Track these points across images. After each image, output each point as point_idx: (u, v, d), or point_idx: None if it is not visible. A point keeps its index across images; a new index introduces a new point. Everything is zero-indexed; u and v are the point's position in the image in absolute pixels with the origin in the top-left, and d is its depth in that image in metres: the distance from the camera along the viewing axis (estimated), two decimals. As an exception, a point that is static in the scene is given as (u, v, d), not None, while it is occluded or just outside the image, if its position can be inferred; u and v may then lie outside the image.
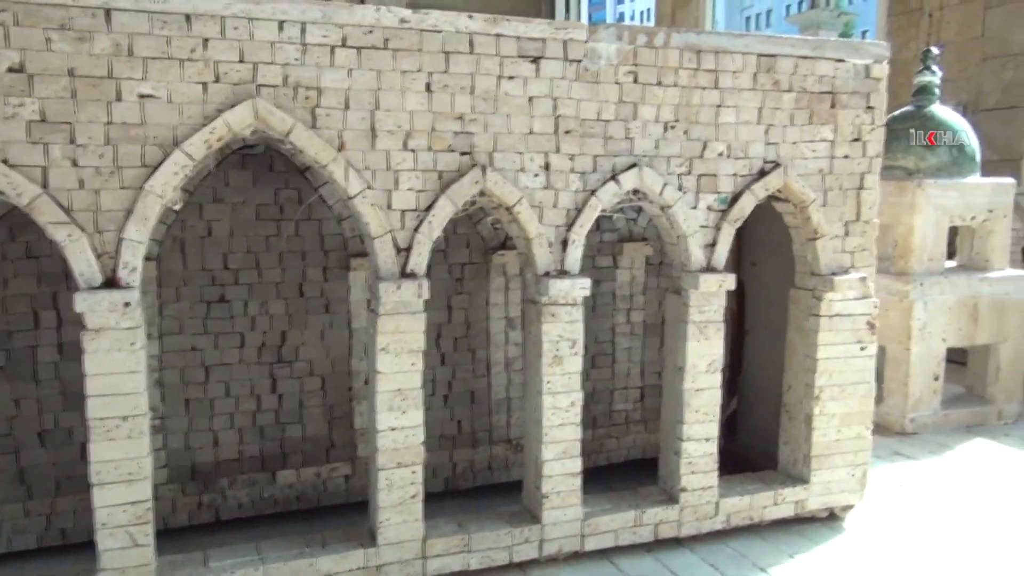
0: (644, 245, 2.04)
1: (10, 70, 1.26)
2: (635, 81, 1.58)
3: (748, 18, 29.72)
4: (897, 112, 2.67)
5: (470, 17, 1.47)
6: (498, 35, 1.48)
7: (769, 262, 2.05)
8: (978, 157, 2.59)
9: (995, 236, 2.56)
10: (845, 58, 1.73)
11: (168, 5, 1.30)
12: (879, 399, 2.55)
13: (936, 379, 2.50)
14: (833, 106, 1.74)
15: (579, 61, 1.54)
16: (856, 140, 1.77)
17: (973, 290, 2.49)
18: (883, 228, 2.70)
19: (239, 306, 1.75)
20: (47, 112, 1.28)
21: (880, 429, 2.46)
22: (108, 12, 1.28)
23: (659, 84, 1.60)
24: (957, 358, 2.78)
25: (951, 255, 2.72)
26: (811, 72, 1.71)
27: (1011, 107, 4.41)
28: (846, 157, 1.77)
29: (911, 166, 2.53)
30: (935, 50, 2.63)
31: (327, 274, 1.80)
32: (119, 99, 1.30)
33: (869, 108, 1.77)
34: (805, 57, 1.70)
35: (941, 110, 2.60)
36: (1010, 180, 2.60)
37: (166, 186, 1.33)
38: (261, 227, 1.74)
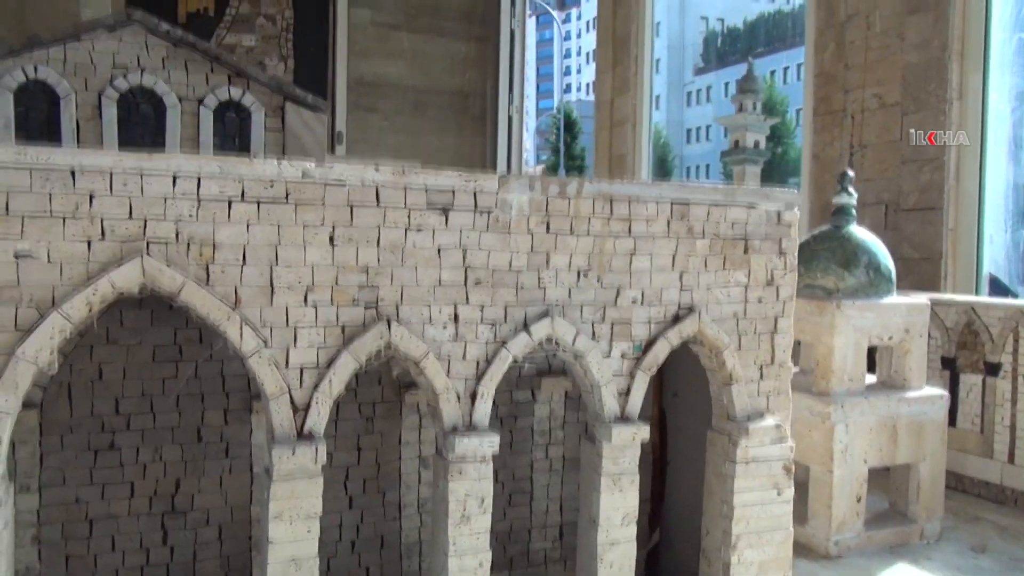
0: (563, 379, 2.01)
1: None
2: (548, 230, 1.57)
3: (689, 93, 31.01)
4: (816, 232, 2.74)
5: (376, 169, 1.44)
6: (406, 187, 1.46)
7: (690, 393, 2.03)
8: (894, 277, 2.65)
9: (911, 356, 2.61)
10: (757, 204, 1.76)
11: (52, 161, 1.24)
12: (803, 519, 2.54)
13: (859, 500, 2.49)
14: (746, 251, 1.75)
15: (490, 212, 1.52)
16: (769, 284, 1.78)
17: (892, 410, 2.52)
18: (805, 346, 2.74)
19: (130, 453, 1.64)
20: (-91, 275, 1.19)
21: (803, 551, 2.43)
22: (-16, 170, 1.21)
23: (572, 233, 1.59)
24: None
25: (871, 368, 2.76)
26: (724, 218, 1.73)
27: (929, 208, 4.59)
28: (760, 301, 1.78)
29: (830, 286, 2.57)
30: (851, 172, 2.71)
31: (228, 416, 1.71)
32: (-8, 260, 1.23)
33: (781, 253, 1.78)
34: (718, 204, 1.71)
35: (859, 231, 2.67)
36: (924, 301, 2.66)
37: (41, 351, 1.24)
38: (158, 369, 1.65)
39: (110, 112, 1.98)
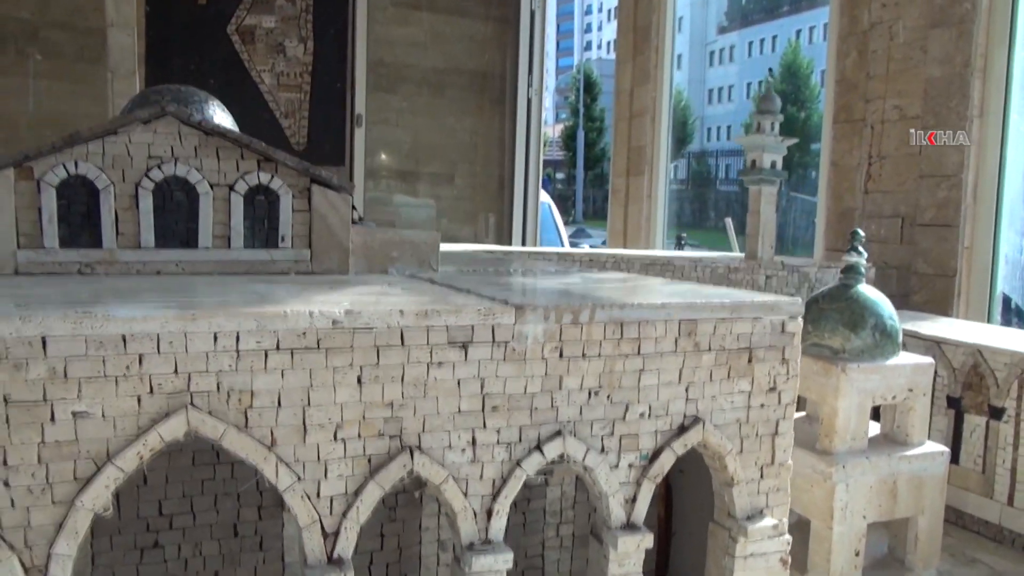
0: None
1: (-56, 403, 1.30)
2: (560, 356, 1.67)
3: (712, 52, 30.45)
4: (824, 290, 2.80)
5: (401, 313, 1.53)
6: (428, 327, 1.56)
7: (697, 469, 2.14)
8: (899, 336, 2.72)
9: (915, 412, 2.69)
10: (761, 316, 1.84)
11: (105, 329, 1.35)
12: (803, 568, 2.67)
13: (857, 554, 2.61)
14: (750, 360, 1.84)
15: (507, 343, 1.62)
16: (772, 390, 1.87)
17: (893, 468, 2.62)
18: (811, 403, 2.83)
19: (172, 550, 1.79)
20: (-19, 439, 1.32)
21: (804, 602, 2.57)
22: (44, 340, 1.32)
23: (584, 356, 1.69)
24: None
25: (875, 416, 2.84)
26: (730, 331, 1.81)
27: (945, 225, 4.60)
28: (762, 406, 1.87)
29: (837, 346, 2.65)
30: (862, 232, 2.76)
31: (261, 512, 1.85)
32: (53, 419, 1.35)
33: (784, 360, 1.87)
34: (724, 319, 1.80)
35: (867, 290, 2.73)
36: (929, 360, 2.73)
37: (98, 499, 1.37)
38: (197, 472, 1.79)
39: (146, 202, 2.07)
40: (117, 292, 1.67)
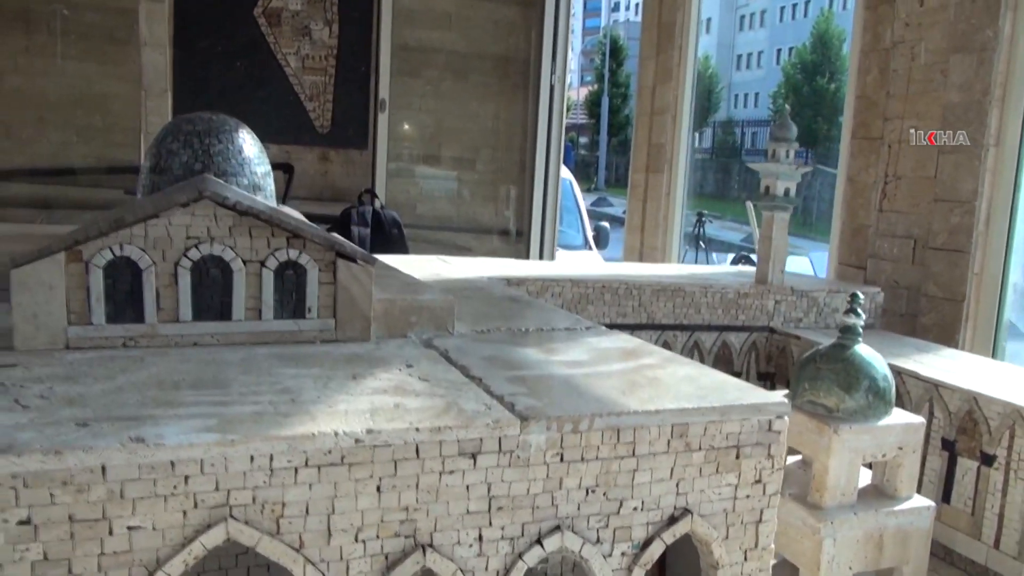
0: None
1: (19, 523, 1.49)
2: (561, 460, 1.83)
3: (742, 17, 29.79)
4: (822, 349, 2.92)
5: (417, 430, 1.70)
6: (441, 441, 1.72)
7: (689, 547, 2.31)
8: (892, 396, 2.85)
9: (904, 469, 2.84)
10: (750, 417, 1.98)
11: (156, 457, 1.53)
12: (791, 611, 2.86)
13: (841, 602, 2.79)
14: (738, 457, 2.00)
15: (512, 451, 1.78)
16: (757, 482, 2.03)
17: (880, 523, 2.78)
18: (803, 463, 2.98)
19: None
20: (49, 553, 1.51)
21: (789, 643, 2.76)
22: (104, 467, 1.51)
23: (582, 460, 1.85)
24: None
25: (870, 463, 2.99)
26: (719, 431, 1.96)
27: (957, 250, 4.68)
28: (747, 496, 2.03)
29: (831, 405, 2.79)
30: (861, 295, 2.87)
31: (291, 581, 2.05)
32: (111, 533, 1.54)
33: (770, 456, 2.02)
34: (714, 421, 1.95)
35: (863, 351, 2.85)
36: (919, 420, 2.86)
37: (149, 600, 1.57)
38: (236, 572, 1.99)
39: (185, 280, 2.24)
40: (160, 385, 1.85)
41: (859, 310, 2.84)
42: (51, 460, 1.47)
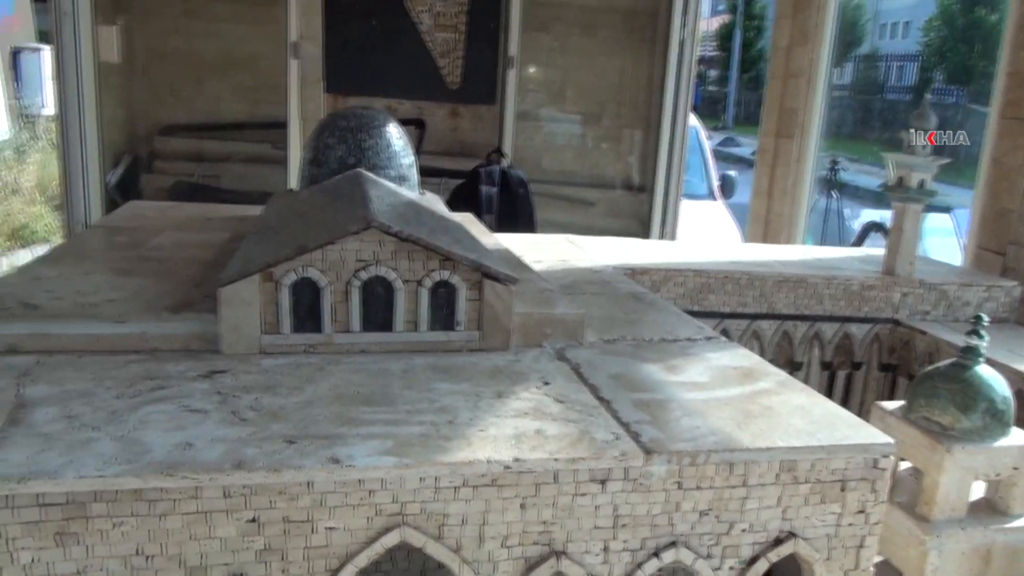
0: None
1: (247, 521, 1.91)
2: (679, 487, 2.09)
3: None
4: (941, 366, 2.99)
5: (555, 460, 2.00)
6: (575, 470, 2.02)
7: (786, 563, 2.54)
8: (1011, 418, 2.91)
9: (1017, 488, 2.91)
10: (856, 455, 2.16)
11: (349, 476, 1.91)
12: (893, 610, 3.03)
13: (942, 607, 2.95)
14: (843, 489, 2.18)
15: (636, 479, 2.06)
16: (860, 512, 2.21)
17: (989, 539, 2.88)
18: (915, 470, 3.09)
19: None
20: (269, 544, 1.93)
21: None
22: (310, 483, 1.90)
23: (698, 488, 2.10)
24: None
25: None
26: (826, 467, 2.15)
27: (1108, 244, 4.46)
28: (850, 525, 2.22)
29: (946, 423, 2.88)
30: (986, 318, 2.90)
31: None
32: (314, 531, 1.94)
33: (874, 490, 2.20)
34: (821, 459, 2.14)
35: (984, 371, 2.91)
36: (1038, 442, 2.91)
37: (342, 584, 1.98)
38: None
39: (355, 297, 2.60)
40: (340, 399, 2.23)
41: (982, 331, 2.88)
42: (272, 476, 1.87)
